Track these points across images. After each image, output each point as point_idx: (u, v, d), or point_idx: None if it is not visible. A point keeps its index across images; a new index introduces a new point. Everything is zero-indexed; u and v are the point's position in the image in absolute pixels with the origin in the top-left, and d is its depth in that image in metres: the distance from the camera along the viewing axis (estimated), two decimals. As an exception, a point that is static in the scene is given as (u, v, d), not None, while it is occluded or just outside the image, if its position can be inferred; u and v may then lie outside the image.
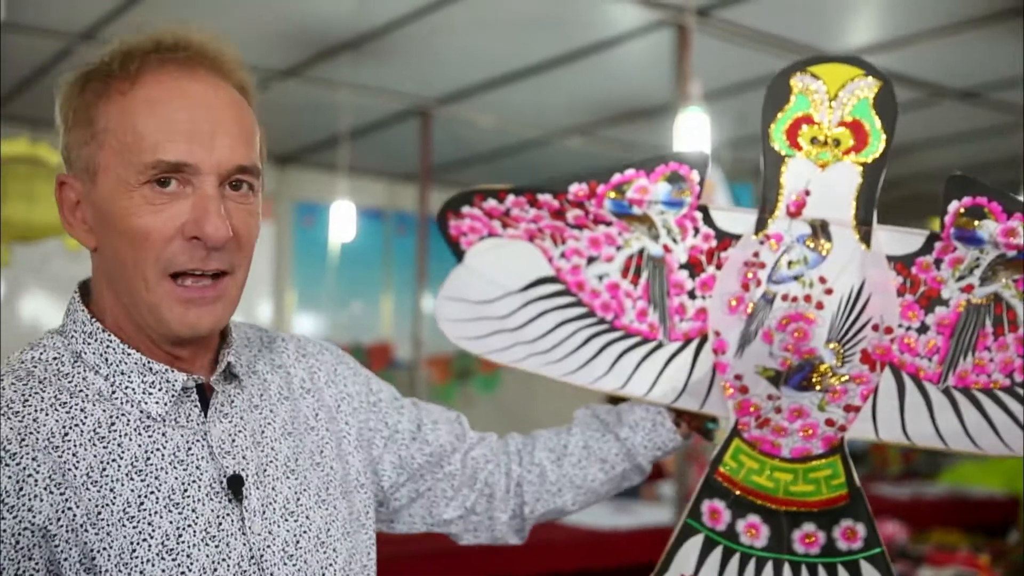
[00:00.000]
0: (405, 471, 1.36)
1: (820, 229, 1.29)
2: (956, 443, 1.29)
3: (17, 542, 0.99)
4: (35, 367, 1.08)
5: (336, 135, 5.88)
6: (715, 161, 4.74)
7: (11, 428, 1.02)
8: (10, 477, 0.99)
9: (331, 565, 1.18)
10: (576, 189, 1.36)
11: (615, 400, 1.47)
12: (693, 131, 3.83)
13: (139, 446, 1.07)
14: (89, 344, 1.11)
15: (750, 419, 1.35)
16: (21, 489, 1.00)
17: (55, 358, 1.10)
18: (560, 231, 1.41)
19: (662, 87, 4.76)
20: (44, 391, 1.06)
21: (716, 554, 1.35)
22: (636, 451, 1.41)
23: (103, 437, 1.06)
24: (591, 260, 1.41)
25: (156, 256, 1.07)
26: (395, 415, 1.36)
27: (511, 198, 1.39)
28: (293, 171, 7.06)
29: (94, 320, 1.12)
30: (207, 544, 1.07)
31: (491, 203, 1.41)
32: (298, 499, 1.17)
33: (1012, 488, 5.77)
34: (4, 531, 0.98)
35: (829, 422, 1.32)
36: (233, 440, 1.14)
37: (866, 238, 1.28)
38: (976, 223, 1.23)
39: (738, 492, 1.35)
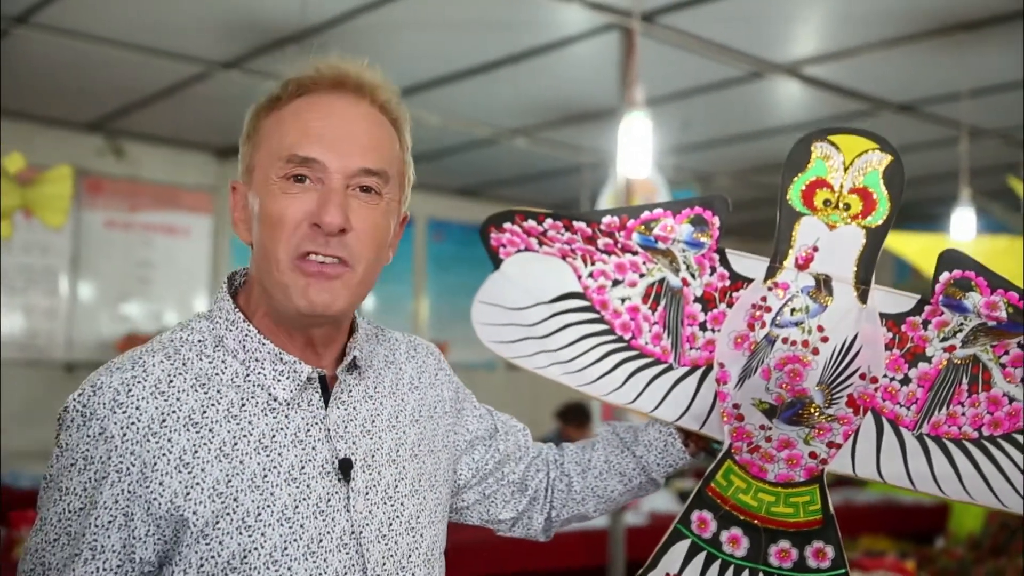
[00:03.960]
0: (478, 474, 1.49)
1: (823, 283, 1.41)
2: (923, 485, 1.43)
3: (128, 510, 1.14)
4: (182, 346, 1.23)
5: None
6: (657, 167, 4.77)
7: (156, 407, 1.16)
8: (148, 451, 1.15)
9: (416, 549, 1.30)
10: (608, 221, 1.49)
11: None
12: (637, 136, 3.85)
13: (266, 424, 1.21)
14: (230, 331, 1.26)
15: (743, 444, 1.47)
16: (155, 465, 1.15)
17: (200, 340, 1.25)
18: (591, 254, 1.53)
19: (607, 91, 4.77)
20: (187, 371, 1.21)
21: (699, 559, 1.49)
22: (650, 467, 1.54)
23: (235, 416, 1.20)
24: (616, 283, 1.53)
25: (287, 238, 1.21)
26: (475, 422, 1.50)
27: (549, 221, 1.51)
28: (234, 164, 6.95)
29: (237, 310, 1.27)
30: (317, 517, 1.21)
31: (530, 223, 1.53)
32: (396, 486, 1.30)
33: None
34: (128, 496, 1.15)
35: (812, 455, 1.45)
36: (346, 426, 1.28)
37: (863, 296, 1.41)
38: (963, 294, 1.37)
39: (726, 507, 1.48)
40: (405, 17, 4.35)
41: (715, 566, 1.48)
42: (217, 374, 1.22)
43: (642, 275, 1.51)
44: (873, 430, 1.44)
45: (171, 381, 1.19)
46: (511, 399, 6.88)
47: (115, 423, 1.16)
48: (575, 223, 1.50)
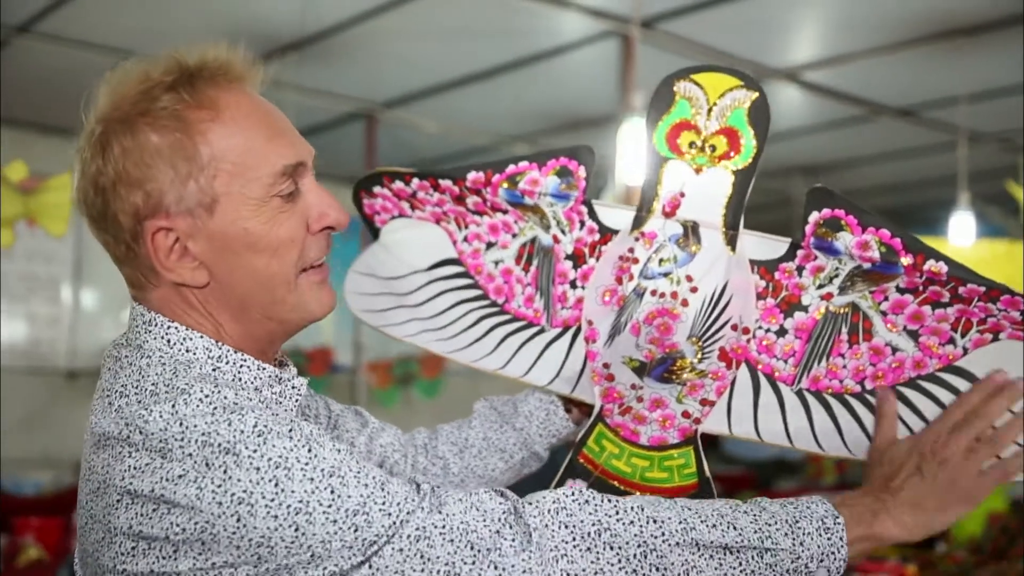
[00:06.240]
0: None
1: (691, 230, 1.33)
2: (801, 443, 1.35)
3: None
4: (205, 377, 1.07)
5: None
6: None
7: (271, 415, 1.02)
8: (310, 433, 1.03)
9: None
10: (473, 177, 1.40)
11: None
12: (636, 141, 3.86)
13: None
14: (218, 367, 1.10)
15: (614, 406, 1.40)
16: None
17: (202, 374, 1.07)
18: (463, 216, 1.47)
19: (606, 97, 4.78)
20: (243, 393, 1.05)
21: None
22: (533, 440, 1.48)
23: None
24: (490, 246, 1.48)
25: (296, 258, 1.12)
26: (312, 402, 1.39)
27: (416, 181, 1.44)
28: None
29: (221, 344, 1.11)
30: None
31: (399, 184, 1.46)
32: None
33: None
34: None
35: (685, 414, 1.37)
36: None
37: (732, 242, 1.33)
38: (834, 235, 1.27)
39: (598, 474, 1.40)
40: (404, 25, 4.37)
41: None
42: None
43: (514, 235, 1.45)
44: (749, 386, 1.35)
45: (248, 401, 1.04)
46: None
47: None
48: (441, 181, 1.42)
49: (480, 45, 4.65)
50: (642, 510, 1.08)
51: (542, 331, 1.46)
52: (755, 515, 1.10)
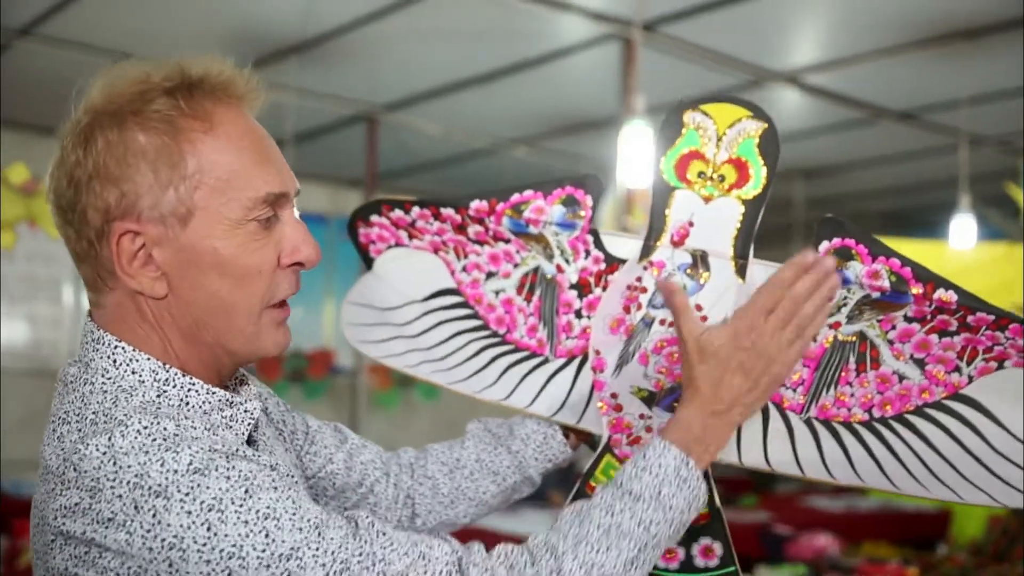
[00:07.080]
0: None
1: (700, 259, 1.33)
2: (812, 472, 1.33)
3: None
4: (143, 411, 1.02)
5: (280, 139, 5.79)
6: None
7: (217, 439, 1.01)
8: (260, 464, 1.02)
9: None
10: (477, 205, 1.40)
11: None
12: (637, 144, 3.86)
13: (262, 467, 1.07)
14: (164, 392, 1.07)
15: (622, 436, 1.39)
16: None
17: (143, 403, 1.04)
18: (463, 245, 1.46)
19: (608, 100, 4.79)
20: (186, 422, 1.02)
21: None
22: (527, 463, 1.45)
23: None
24: (490, 275, 1.47)
25: (264, 289, 1.09)
26: (289, 418, 1.37)
27: (416, 210, 1.44)
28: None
29: (168, 366, 1.08)
30: None
31: (398, 213, 1.45)
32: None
33: (942, 503, 5.88)
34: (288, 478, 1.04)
35: None
36: (275, 460, 1.12)
37: (742, 271, 1.32)
38: (844, 264, 1.27)
39: None
40: (406, 27, 4.37)
41: None
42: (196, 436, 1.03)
43: (516, 265, 1.44)
44: (758, 415, 1.34)
45: (193, 427, 1.02)
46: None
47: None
48: (443, 210, 1.42)
49: (482, 48, 4.65)
50: (582, 561, 1.09)
51: (546, 361, 1.45)
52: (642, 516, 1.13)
